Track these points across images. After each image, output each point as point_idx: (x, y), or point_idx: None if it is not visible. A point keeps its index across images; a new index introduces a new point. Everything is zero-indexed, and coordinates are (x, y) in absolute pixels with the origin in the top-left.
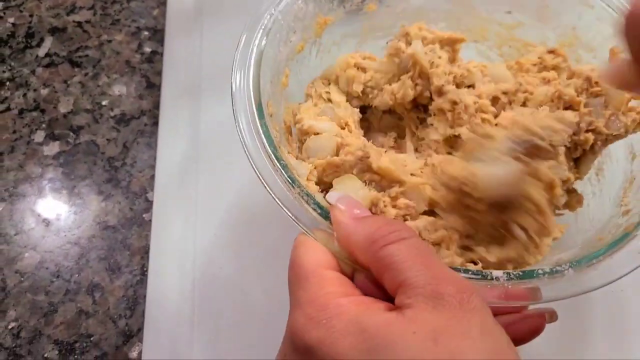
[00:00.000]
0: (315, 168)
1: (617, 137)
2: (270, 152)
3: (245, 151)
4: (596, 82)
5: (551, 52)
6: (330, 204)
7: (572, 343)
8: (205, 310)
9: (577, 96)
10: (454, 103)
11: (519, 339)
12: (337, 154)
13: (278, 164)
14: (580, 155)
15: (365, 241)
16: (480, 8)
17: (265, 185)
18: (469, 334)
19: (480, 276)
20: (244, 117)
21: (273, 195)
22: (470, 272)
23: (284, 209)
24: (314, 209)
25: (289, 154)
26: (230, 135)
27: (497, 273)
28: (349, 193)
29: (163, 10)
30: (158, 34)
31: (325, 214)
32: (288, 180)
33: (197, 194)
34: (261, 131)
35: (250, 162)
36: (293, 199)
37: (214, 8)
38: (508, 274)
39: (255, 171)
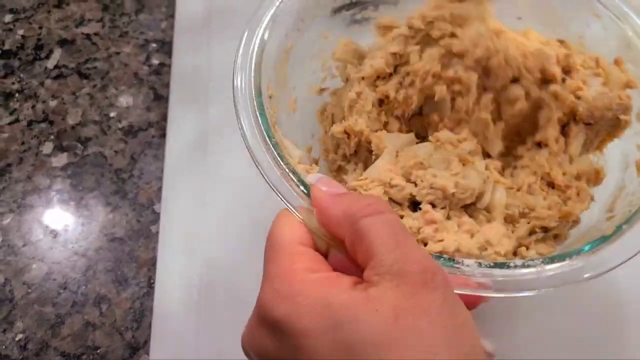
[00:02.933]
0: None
1: (607, 128)
2: (263, 130)
3: (240, 130)
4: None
5: (561, 42)
6: (310, 183)
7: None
8: (212, 323)
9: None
10: None
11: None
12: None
13: (269, 142)
14: (569, 131)
15: (342, 214)
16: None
17: (255, 161)
18: (428, 312)
19: (451, 263)
20: (243, 109)
21: (261, 170)
22: (441, 259)
23: (271, 184)
24: (298, 186)
25: (284, 137)
26: (238, 146)
27: (468, 261)
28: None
29: (171, 23)
30: (166, 46)
31: (308, 192)
32: (277, 158)
33: (204, 206)
34: (257, 112)
35: (244, 142)
36: (280, 176)
37: (222, 21)
38: (479, 263)
39: (247, 147)
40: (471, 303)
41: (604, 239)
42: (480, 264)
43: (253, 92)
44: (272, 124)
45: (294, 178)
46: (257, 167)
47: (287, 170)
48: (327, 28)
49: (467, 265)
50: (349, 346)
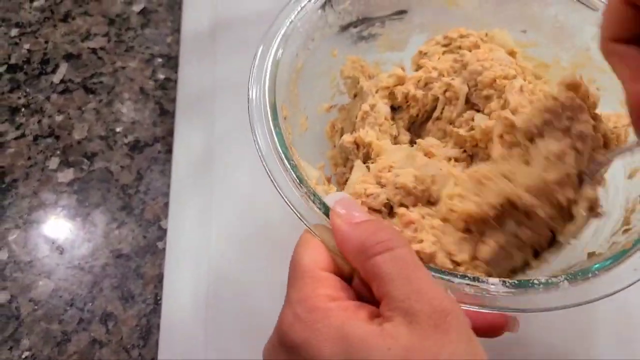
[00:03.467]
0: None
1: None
2: (281, 152)
3: (257, 152)
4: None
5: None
6: (329, 206)
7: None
8: (219, 339)
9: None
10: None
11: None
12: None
13: (288, 164)
14: None
15: (356, 249)
16: (495, 25)
17: (275, 183)
18: (439, 355)
19: (476, 282)
20: (257, 120)
21: (281, 193)
22: (467, 279)
23: (291, 206)
24: (319, 209)
25: (299, 158)
26: (244, 161)
27: (493, 280)
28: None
29: (177, 37)
30: (172, 60)
31: (328, 212)
32: (296, 180)
33: (211, 222)
34: (274, 132)
35: (262, 162)
36: (300, 198)
37: (228, 35)
38: (504, 282)
39: (265, 169)
40: (497, 330)
41: (624, 253)
42: (504, 283)
43: (269, 114)
44: (289, 145)
45: (314, 200)
46: (276, 189)
47: (307, 192)
48: (335, 45)
49: (493, 285)
50: None
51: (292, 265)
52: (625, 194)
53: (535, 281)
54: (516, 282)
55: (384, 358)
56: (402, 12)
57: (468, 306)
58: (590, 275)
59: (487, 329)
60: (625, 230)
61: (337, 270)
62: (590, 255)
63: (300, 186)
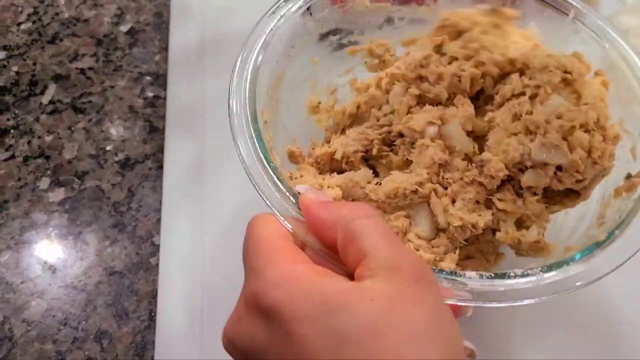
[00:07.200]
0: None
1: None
2: (262, 156)
3: (241, 162)
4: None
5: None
6: (299, 192)
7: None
8: (215, 354)
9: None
10: None
11: None
12: None
13: (268, 166)
14: None
15: (333, 217)
16: None
17: (260, 193)
18: (422, 304)
19: (453, 276)
20: (239, 132)
21: (268, 203)
22: (444, 273)
23: (271, 207)
24: (294, 204)
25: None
26: (235, 176)
27: (470, 274)
28: None
29: (165, 56)
30: (160, 78)
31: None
32: (276, 183)
33: (204, 236)
34: (254, 135)
35: (246, 172)
36: (281, 199)
37: (215, 52)
38: (480, 274)
39: (250, 178)
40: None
41: (597, 245)
42: (481, 276)
43: (249, 117)
44: (269, 149)
45: (288, 192)
46: (262, 198)
47: (287, 193)
48: (315, 53)
49: (470, 278)
50: (343, 333)
51: (251, 240)
52: (601, 190)
53: (512, 273)
54: (492, 274)
55: (367, 309)
56: (387, 21)
57: (446, 300)
58: (564, 266)
59: None
60: (600, 224)
61: (293, 241)
62: (567, 250)
63: (280, 188)
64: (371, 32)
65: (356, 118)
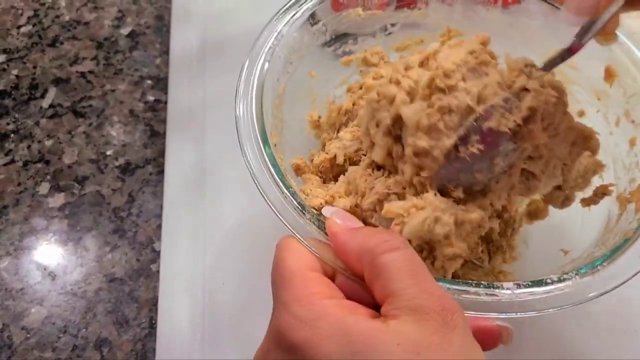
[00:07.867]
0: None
1: None
2: (278, 180)
3: (252, 178)
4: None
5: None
6: (325, 216)
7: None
8: None
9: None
10: None
11: None
12: None
13: (287, 191)
14: None
15: (359, 249)
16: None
17: (267, 200)
18: (449, 351)
19: (490, 288)
20: (249, 145)
21: (274, 210)
22: (481, 286)
23: (284, 222)
24: (318, 228)
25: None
26: (238, 181)
27: (507, 284)
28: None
29: (165, 59)
30: (161, 82)
31: (322, 227)
32: (298, 208)
33: (205, 242)
34: (267, 160)
35: (258, 188)
36: (304, 224)
37: (216, 55)
38: (518, 284)
39: (263, 197)
40: (491, 344)
41: (626, 241)
42: (519, 285)
43: (260, 138)
44: (284, 171)
45: (311, 218)
46: (269, 206)
47: (311, 220)
48: (312, 66)
49: (508, 289)
50: None
51: (278, 270)
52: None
53: (548, 279)
54: (529, 282)
55: (392, 354)
56: (381, 29)
57: (482, 313)
58: (598, 267)
59: (483, 340)
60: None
61: (323, 272)
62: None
63: (304, 213)
64: (364, 40)
65: (351, 115)
